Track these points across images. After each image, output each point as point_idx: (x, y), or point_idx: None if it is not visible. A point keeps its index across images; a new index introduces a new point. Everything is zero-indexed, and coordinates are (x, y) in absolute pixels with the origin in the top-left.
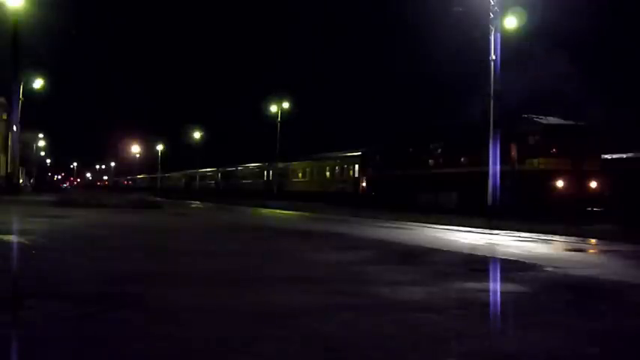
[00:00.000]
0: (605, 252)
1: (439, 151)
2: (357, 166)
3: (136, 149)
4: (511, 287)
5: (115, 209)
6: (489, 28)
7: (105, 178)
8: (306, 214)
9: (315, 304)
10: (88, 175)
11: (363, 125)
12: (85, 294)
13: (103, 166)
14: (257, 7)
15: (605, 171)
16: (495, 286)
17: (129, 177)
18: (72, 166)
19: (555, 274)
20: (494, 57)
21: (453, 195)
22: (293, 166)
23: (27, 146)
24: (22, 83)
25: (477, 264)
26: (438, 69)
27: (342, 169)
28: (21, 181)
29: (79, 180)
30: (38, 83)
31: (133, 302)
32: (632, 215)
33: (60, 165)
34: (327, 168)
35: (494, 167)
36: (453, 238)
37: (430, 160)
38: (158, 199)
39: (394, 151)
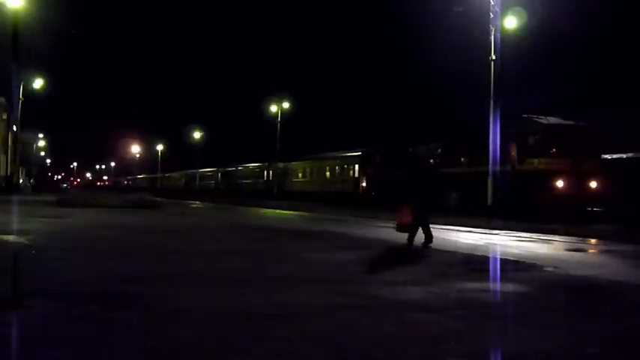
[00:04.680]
0: (605, 252)
1: (439, 151)
2: (357, 166)
3: (136, 149)
4: (511, 287)
5: (114, 209)
6: (489, 28)
7: (105, 178)
8: (306, 214)
9: (315, 304)
10: (88, 175)
11: (363, 125)
12: (85, 294)
13: (103, 166)
14: (257, 7)
15: (605, 171)
16: (495, 286)
17: (129, 177)
18: (72, 166)
19: (555, 274)
20: (494, 57)
21: (453, 195)
22: (293, 166)
23: (27, 146)
24: (22, 83)
25: (476, 264)
26: (438, 69)
27: (342, 169)
28: (21, 181)
29: (79, 180)
30: (38, 83)
31: (133, 302)
32: (632, 215)
33: (60, 165)
34: (327, 168)
35: (494, 167)
36: (453, 238)
37: (430, 160)
38: (158, 199)
39: (394, 151)
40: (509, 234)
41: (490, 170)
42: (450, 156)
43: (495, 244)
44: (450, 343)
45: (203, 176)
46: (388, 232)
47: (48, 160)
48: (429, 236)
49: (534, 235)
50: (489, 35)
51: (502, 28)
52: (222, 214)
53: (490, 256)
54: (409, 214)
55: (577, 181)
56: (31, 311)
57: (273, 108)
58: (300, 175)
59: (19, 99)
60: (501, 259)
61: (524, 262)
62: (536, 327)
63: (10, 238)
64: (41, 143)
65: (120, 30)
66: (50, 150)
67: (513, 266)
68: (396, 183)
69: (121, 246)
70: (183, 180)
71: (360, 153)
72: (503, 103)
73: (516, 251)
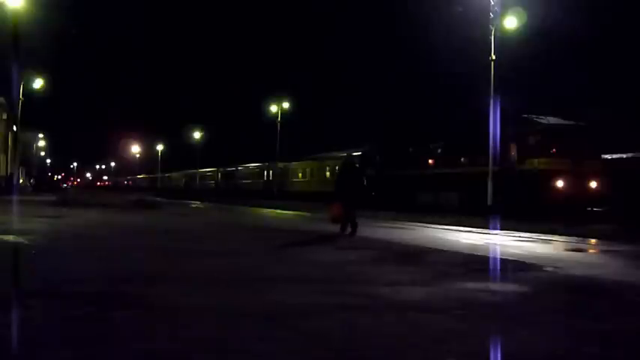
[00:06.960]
0: (605, 252)
1: (439, 151)
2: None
3: (136, 149)
4: (511, 287)
5: (115, 209)
6: (489, 28)
7: (105, 178)
8: (306, 214)
9: (315, 304)
10: (88, 175)
11: (363, 125)
12: (85, 294)
13: (103, 166)
14: (257, 6)
15: (605, 171)
16: (495, 286)
17: (129, 177)
18: (72, 166)
19: (555, 274)
20: (494, 57)
21: (452, 195)
22: (293, 166)
23: (27, 146)
24: (22, 83)
25: (476, 264)
26: (438, 68)
27: None
28: (21, 181)
29: (79, 180)
30: (38, 83)
31: (133, 302)
32: (632, 215)
33: (60, 165)
34: (327, 168)
35: (494, 167)
36: (453, 238)
37: (430, 160)
38: (158, 199)
39: (394, 150)
40: (509, 234)
41: (490, 170)
42: (450, 156)
43: (495, 244)
44: (450, 343)
45: (203, 176)
46: (387, 231)
47: (48, 160)
48: (354, 227)
49: (534, 235)
50: (489, 35)
51: (502, 28)
52: (222, 214)
53: (490, 256)
54: (339, 209)
55: (577, 181)
56: (31, 311)
57: (273, 108)
58: (300, 175)
59: (19, 99)
60: (501, 259)
61: (524, 262)
62: (536, 327)
63: (10, 238)
64: (41, 143)
65: (120, 30)
66: (50, 150)
67: (513, 266)
68: (396, 183)
69: (121, 246)
70: (183, 180)
71: (360, 153)
72: (503, 103)
73: (516, 251)
